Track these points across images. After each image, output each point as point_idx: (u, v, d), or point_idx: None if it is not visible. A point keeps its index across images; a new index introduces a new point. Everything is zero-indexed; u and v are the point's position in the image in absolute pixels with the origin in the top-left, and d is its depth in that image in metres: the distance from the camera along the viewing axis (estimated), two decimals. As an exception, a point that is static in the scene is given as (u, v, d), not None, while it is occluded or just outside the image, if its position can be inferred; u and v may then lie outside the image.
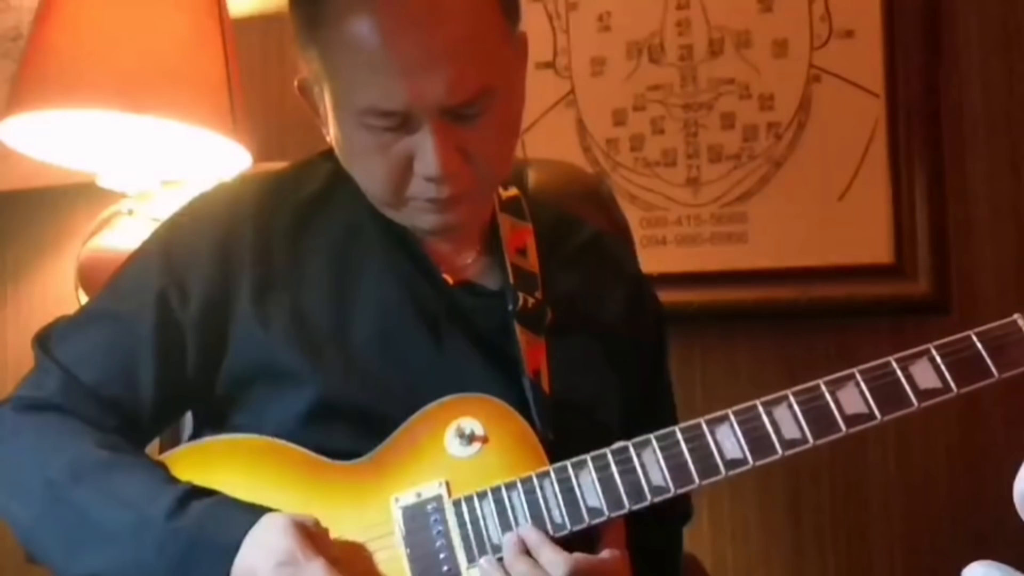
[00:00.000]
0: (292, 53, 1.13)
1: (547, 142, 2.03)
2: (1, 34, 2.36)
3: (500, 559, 1.00)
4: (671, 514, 1.21)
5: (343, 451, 1.07)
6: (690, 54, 2.02)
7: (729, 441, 1.00)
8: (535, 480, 1.03)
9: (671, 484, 1.01)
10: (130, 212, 1.95)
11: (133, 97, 1.74)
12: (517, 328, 1.14)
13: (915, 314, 1.87)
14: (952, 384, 0.99)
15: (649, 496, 1.01)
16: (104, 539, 1.02)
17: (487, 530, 1.02)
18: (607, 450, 1.03)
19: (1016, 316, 1.00)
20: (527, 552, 1.00)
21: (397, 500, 1.04)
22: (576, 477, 1.02)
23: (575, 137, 2.07)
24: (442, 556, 1.02)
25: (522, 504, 1.02)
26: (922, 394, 0.99)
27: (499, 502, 1.03)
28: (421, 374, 1.11)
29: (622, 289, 1.27)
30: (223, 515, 1.01)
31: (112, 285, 1.18)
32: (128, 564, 1.01)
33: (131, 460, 1.08)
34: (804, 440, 1.00)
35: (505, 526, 1.02)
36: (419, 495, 1.04)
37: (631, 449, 1.02)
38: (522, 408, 1.08)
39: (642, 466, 1.01)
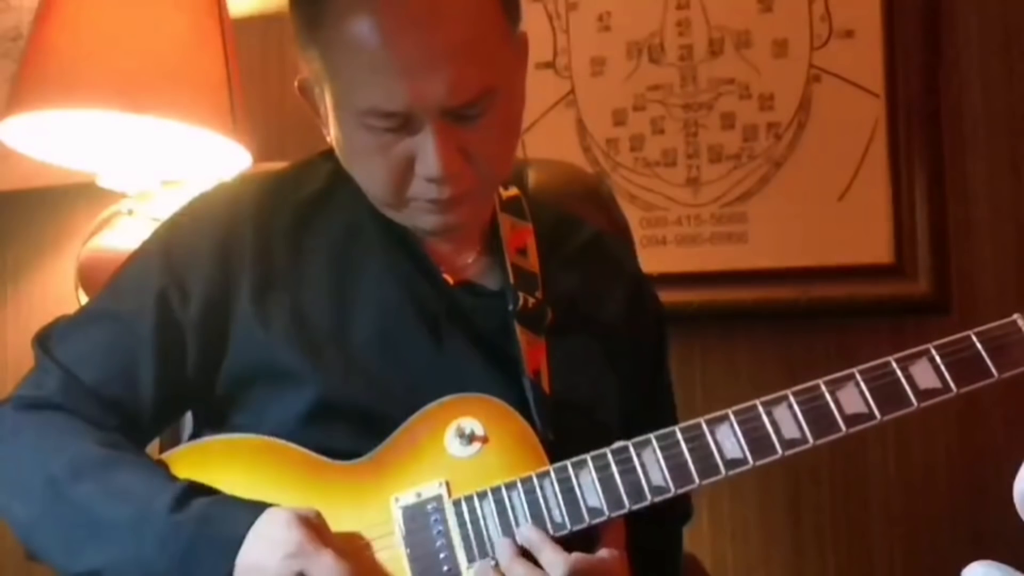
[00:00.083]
0: (292, 53, 1.13)
1: (547, 142, 2.03)
2: (1, 34, 2.36)
3: (496, 565, 1.00)
4: (671, 514, 1.21)
5: (343, 451, 1.07)
6: (690, 54, 2.01)
7: (729, 441, 1.00)
8: (535, 480, 1.03)
9: (671, 484, 1.01)
10: (130, 212, 1.95)
11: (133, 97, 1.74)
12: (517, 328, 1.14)
13: (915, 314, 1.87)
14: (952, 384, 0.98)
15: (649, 496, 1.01)
16: (105, 535, 1.02)
17: (487, 530, 1.02)
18: (607, 450, 1.03)
19: (1016, 316, 1.00)
20: (523, 554, 1.00)
21: (397, 500, 1.04)
22: (576, 477, 1.02)
23: (575, 137, 2.07)
24: (442, 556, 1.02)
25: (522, 504, 1.02)
26: (922, 394, 0.99)
27: (499, 502, 1.03)
28: (421, 374, 1.11)
29: (622, 289, 1.27)
30: (225, 510, 1.01)
31: (112, 285, 1.18)
32: (130, 560, 1.01)
33: (132, 458, 1.08)
34: (804, 440, 1.00)
35: (505, 526, 1.02)
36: (419, 495, 1.04)
37: (631, 449, 1.02)
38: (522, 408, 1.08)
39: (642, 466, 1.01)
